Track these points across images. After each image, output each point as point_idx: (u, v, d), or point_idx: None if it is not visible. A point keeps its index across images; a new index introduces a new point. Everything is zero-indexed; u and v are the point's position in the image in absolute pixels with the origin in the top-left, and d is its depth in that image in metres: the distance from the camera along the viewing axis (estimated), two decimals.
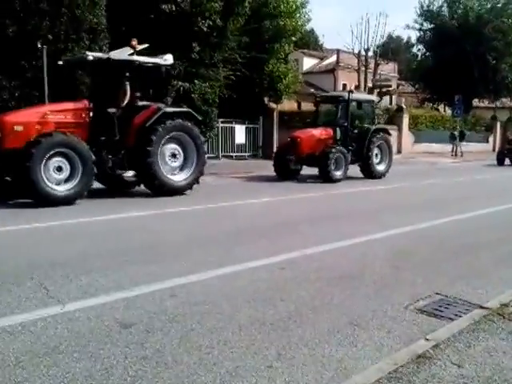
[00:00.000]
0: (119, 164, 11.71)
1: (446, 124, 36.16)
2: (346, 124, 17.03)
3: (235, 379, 3.44)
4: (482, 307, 4.75)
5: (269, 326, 4.29)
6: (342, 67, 43.98)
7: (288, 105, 27.75)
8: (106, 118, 11.53)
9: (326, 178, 15.92)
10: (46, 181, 10.14)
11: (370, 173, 17.49)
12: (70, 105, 11.27)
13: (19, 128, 10.40)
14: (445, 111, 44.41)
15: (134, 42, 12.13)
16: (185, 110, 12.92)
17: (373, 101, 19.20)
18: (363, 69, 38.40)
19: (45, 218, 8.91)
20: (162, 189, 11.94)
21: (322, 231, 8.33)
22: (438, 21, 40.66)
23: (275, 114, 26.60)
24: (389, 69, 46.00)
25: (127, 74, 11.72)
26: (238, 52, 22.89)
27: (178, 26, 19.03)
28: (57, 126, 10.80)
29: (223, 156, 24.04)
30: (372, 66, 39.49)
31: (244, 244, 7.30)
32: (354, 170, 17.47)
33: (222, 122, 23.12)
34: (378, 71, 39.90)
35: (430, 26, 41.90)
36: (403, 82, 50.86)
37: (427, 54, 44.03)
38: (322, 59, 48.89)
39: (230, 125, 24.04)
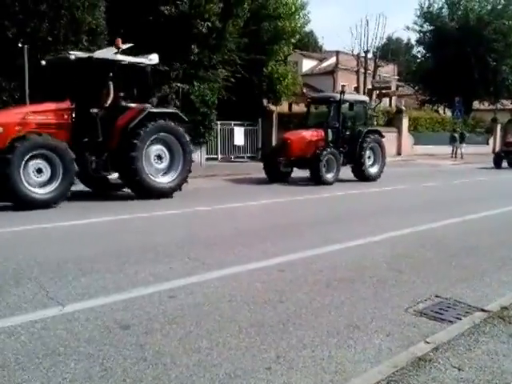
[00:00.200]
0: (102, 166, 11.47)
1: (446, 126, 36.17)
2: (337, 125, 16.70)
3: (234, 381, 3.44)
4: (482, 310, 4.75)
5: (268, 328, 4.29)
6: (342, 69, 44.03)
7: (287, 106, 27.78)
8: (89, 118, 11.30)
9: (317, 180, 15.62)
10: (26, 184, 9.88)
11: (362, 175, 17.17)
12: (51, 105, 10.97)
13: None
14: (445, 113, 44.43)
15: (119, 42, 11.89)
16: (170, 110, 12.72)
17: (365, 102, 18.85)
18: (363, 70, 38.43)
19: (33, 220, 8.92)
20: (146, 191, 11.68)
21: (320, 233, 8.32)
22: (438, 22, 40.69)
23: (274, 115, 26.61)
24: (388, 70, 46.08)
25: (110, 74, 11.49)
26: (236, 54, 22.90)
27: (177, 28, 19.06)
28: (38, 127, 10.53)
29: (222, 158, 24.04)
30: (371, 67, 39.53)
31: (242, 246, 7.29)
32: (347, 172, 17.23)
33: (221, 124, 23.14)
34: (378, 73, 39.94)
35: (429, 28, 41.92)
36: (403, 84, 50.90)
37: (427, 55, 44.05)
38: (321, 61, 48.96)
39: (229, 126, 24.05)
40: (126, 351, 3.81)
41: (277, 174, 16.23)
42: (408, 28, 43.90)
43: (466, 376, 3.48)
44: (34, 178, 10.14)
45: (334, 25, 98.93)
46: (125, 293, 5.05)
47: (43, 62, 11.77)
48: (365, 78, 38.21)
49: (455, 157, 31.67)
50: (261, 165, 16.88)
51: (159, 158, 12.06)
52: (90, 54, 11.58)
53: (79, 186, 12.13)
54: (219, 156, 23.83)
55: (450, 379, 3.44)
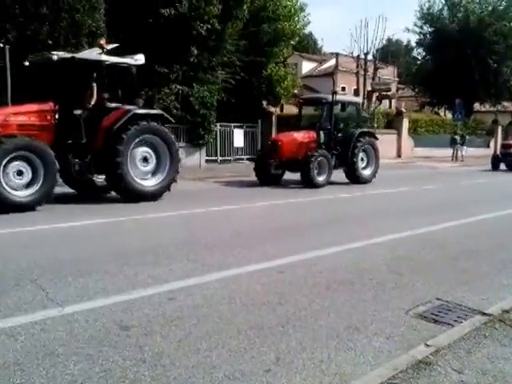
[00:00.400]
0: (86, 168, 11.26)
1: (447, 128, 36.19)
2: (329, 127, 16.41)
3: (233, 383, 3.43)
4: (483, 313, 4.73)
5: (267, 330, 4.28)
6: (341, 71, 44.07)
7: (287, 108, 27.79)
8: (73, 120, 11.09)
9: (308, 183, 15.30)
10: (6, 186, 9.66)
11: (355, 178, 16.88)
12: (33, 107, 10.72)
13: None
14: (445, 115, 44.47)
15: (103, 42, 11.71)
16: (157, 111, 12.48)
17: (358, 103, 18.51)
18: (362, 72, 38.44)
19: (28, 222, 8.93)
20: (131, 194, 11.40)
21: (319, 235, 8.31)
22: (439, 24, 40.75)
23: (274, 117, 26.62)
24: (388, 72, 46.11)
25: (94, 75, 11.32)
26: (236, 56, 22.97)
27: (177, 30, 19.11)
28: (19, 128, 10.31)
29: (221, 159, 24.04)
30: (371, 69, 39.55)
31: (242, 248, 7.28)
32: (340, 175, 16.98)
33: (221, 126, 23.16)
34: (378, 75, 39.95)
35: (430, 30, 41.99)
36: (403, 86, 50.94)
37: (427, 57, 44.10)
38: (320, 63, 49.02)
39: (229, 128, 24.06)
40: (126, 352, 3.81)
41: (268, 177, 15.97)
42: (408, 30, 44.09)
43: (467, 379, 3.47)
44: (15, 180, 9.88)
45: (334, 27, 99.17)
46: (124, 294, 5.04)
47: (26, 63, 11.55)
48: (364, 80, 38.20)
49: (456, 159, 31.68)
50: None
51: (145, 160, 11.81)
52: (73, 55, 11.38)
53: (65, 188, 12.06)
54: (219, 158, 23.84)
55: (451, 382, 3.43)
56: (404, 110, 34.66)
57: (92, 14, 16.21)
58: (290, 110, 20.07)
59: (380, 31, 57.99)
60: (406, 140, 32.87)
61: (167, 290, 5.21)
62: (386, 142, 30.76)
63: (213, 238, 7.89)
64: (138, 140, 11.45)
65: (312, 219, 10.13)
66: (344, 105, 16.80)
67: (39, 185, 10.06)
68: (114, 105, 11.59)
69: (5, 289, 5.13)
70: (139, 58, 12.23)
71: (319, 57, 52.40)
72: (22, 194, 9.91)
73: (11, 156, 9.81)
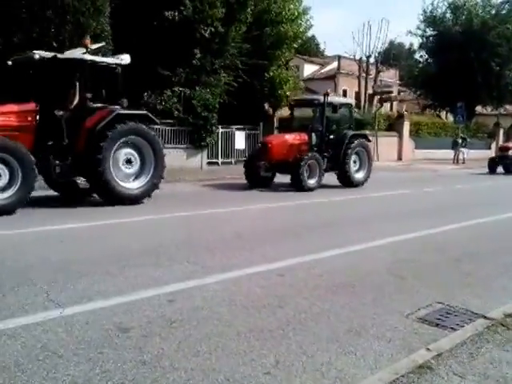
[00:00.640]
0: (67, 170, 10.90)
1: (448, 131, 36.18)
2: (320, 129, 16.01)
3: None
4: (485, 317, 4.72)
5: (267, 333, 4.28)
6: (343, 74, 44.10)
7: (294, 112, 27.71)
8: (54, 121, 10.76)
9: (298, 186, 14.89)
10: None
11: (347, 181, 16.45)
12: (14, 107, 10.36)
13: None
14: (446, 118, 44.44)
15: (87, 41, 11.44)
16: (141, 112, 12.18)
17: (351, 104, 18.09)
18: (364, 75, 38.47)
19: (27, 223, 8.91)
20: (113, 197, 11.06)
21: (319, 238, 8.31)
22: (442, 27, 40.74)
23: (275, 120, 26.62)
24: (390, 75, 46.10)
25: (77, 74, 11.02)
26: (239, 58, 22.99)
27: (181, 33, 19.18)
28: None
29: (223, 162, 24.03)
30: (373, 72, 39.57)
31: (242, 250, 7.27)
32: (332, 178, 16.60)
33: (222, 128, 23.14)
34: (379, 78, 39.97)
35: (432, 33, 41.97)
36: (404, 89, 50.93)
37: (429, 60, 44.10)
38: (322, 65, 49.06)
39: (230, 130, 24.06)
40: (126, 354, 3.81)
41: (257, 179, 15.64)
42: (410, 33, 43.99)
43: None
44: None
45: (336, 30, 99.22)
46: (125, 296, 5.04)
47: (9, 62, 11.32)
48: (366, 82, 38.24)
49: (457, 162, 31.65)
50: None
51: (129, 162, 11.47)
52: (55, 54, 11.04)
53: (45, 191, 11.92)
54: (220, 160, 23.83)
55: None
56: (405, 113, 34.64)
57: (97, 17, 16.29)
58: (298, 112, 19.96)
59: (382, 34, 58.02)
60: (408, 142, 32.86)
61: (167, 291, 5.21)
62: (387, 144, 30.83)
63: (214, 240, 7.88)
64: (121, 141, 11.15)
65: (310, 222, 10.09)
66: (336, 106, 16.30)
67: (16, 188, 9.69)
68: (97, 105, 11.31)
69: (6, 290, 5.13)
70: (124, 58, 12.01)
71: (321, 60, 52.43)
72: None
73: None
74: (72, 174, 11.19)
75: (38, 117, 10.60)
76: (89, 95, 11.17)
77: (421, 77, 43.80)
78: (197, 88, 20.53)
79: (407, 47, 61.80)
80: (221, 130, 23.03)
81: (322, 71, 47.83)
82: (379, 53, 39.53)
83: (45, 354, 3.76)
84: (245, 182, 15.84)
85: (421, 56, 46.72)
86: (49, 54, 10.89)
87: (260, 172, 15.62)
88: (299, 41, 28.69)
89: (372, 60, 39.32)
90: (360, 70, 38.43)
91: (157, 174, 11.79)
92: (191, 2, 19.45)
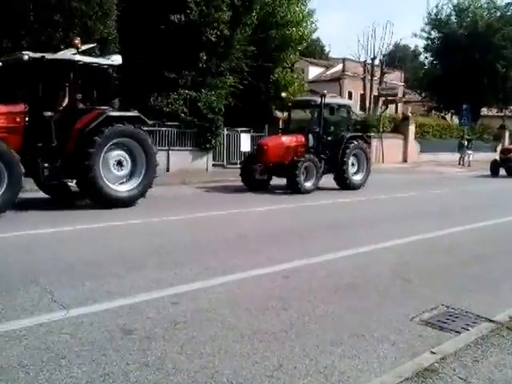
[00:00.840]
0: (56, 173, 10.67)
1: (453, 133, 36.09)
2: (317, 130, 15.73)
3: None
4: (490, 321, 4.69)
5: (271, 336, 4.27)
6: (348, 76, 44.04)
7: (296, 114, 27.69)
8: (43, 122, 10.54)
9: (294, 188, 14.63)
10: None
11: (344, 183, 16.09)
12: (2, 108, 10.17)
13: None
14: (452, 120, 44.35)
15: (77, 41, 11.14)
16: (132, 113, 11.80)
17: (349, 106, 17.79)
18: (369, 77, 38.42)
19: (32, 225, 8.90)
20: (103, 200, 10.83)
21: (324, 240, 8.29)
22: (447, 29, 40.71)
23: (280, 122, 26.61)
24: (395, 77, 46.00)
25: (66, 75, 10.83)
26: (244, 61, 23.03)
27: (186, 36, 19.25)
28: None
29: (228, 164, 24.04)
30: (378, 74, 39.52)
31: (247, 252, 7.27)
32: (331, 180, 16.34)
33: (228, 130, 23.17)
34: (384, 80, 39.92)
35: (437, 35, 41.94)
36: (409, 91, 50.87)
37: (435, 62, 44.07)
38: (327, 68, 49.02)
39: (236, 133, 24.08)
40: (129, 356, 3.81)
41: (253, 182, 15.42)
42: (415, 35, 43.99)
43: None
44: None
45: (341, 32, 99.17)
46: (129, 298, 5.05)
47: None
48: (371, 84, 38.19)
49: (462, 164, 31.55)
50: None
51: (119, 164, 11.20)
52: (43, 54, 10.77)
53: (37, 194, 11.87)
54: (225, 162, 23.84)
55: None
56: (410, 115, 34.56)
57: (104, 21, 16.35)
58: (298, 114, 19.82)
59: (387, 36, 57.88)
60: (413, 144, 32.79)
61: (171, 293, 5.21)
62: (392, 146, 30.79)
63: (218, 241, 7.89)
64: (111, 143, 10.93)
65: (314, 224, 10.06)
66: (333, 108, 16.03)
67: (2, 190, 9.49)
68: (87, 106, 11.09)
69: (10, 291, 5.15)
70: (116, 59, 11.78)
71: (326, 62, 52.39)
72: None
73: None
74: (61, 177, 10.96)
75: (26, 118, 10.42)
76: (79, 96, 10.97)
77: (426, 79, 43.81)
78: (202, 90, 20.58)
79: (412, 49, 61.83)
80: (226, 133, 23.05)
81: (327, 73, 47.76)
82: (384, 55, 39.54)
83: (48, 356, 3.77)
84: (235, 184, 15.84)
85: (426, 58, 46.83)
86: (37, 55, 10.67)
87: (255, 175, 15.41)
88: (304, 43, 28.74)
89: (377, 62, 39.29)
90: (365, 72, 38.39)
91: (148, 177, 11.55)
92: (197, 5, 19.52)
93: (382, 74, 39.17)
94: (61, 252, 6.98)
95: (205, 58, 20.35)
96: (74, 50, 11.14)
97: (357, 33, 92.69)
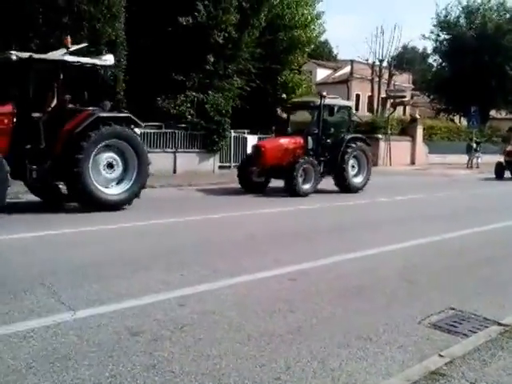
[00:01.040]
0: (44, 175, 10.42)
1: (462, 135, 35.94)
2: (316, 132, 15.46)
3: None
4: (498, 324, 4.66)
5: (278, 338, 4.26)
6: (356, 78, 44.03)
7: (300, 116, 27.70)
8: (32, 123, 10.31)
9: (291, 191, 14.35)
10: None
11: (344, 186, 15.78)
12: None
13: None
14: (460, 122, 44.19)
15: (67, 41, 10.98)
16: (124, 114, 11.51)
17: (349, 107, 17.46)
18: (377, 79, 38.38)
19: (40, 227, 8.93)
20: (93, 202, 10.54)
21: (331, 243, 8.28)
22: (455, 31, 40.60)
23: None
24: (403, 79, 45.97)
25: (55, 75, 10.55)
26: (251, 63, 23.05)
27: (194, 39, 19.29)
28: None
29: (235, 166, 24.05)
30: (386, 76, 39.47)
31: (254, 254, 7.26)
32: (330, 182, 16.02)
33: (235, 132, 23.18)
34: (393, 82, 39.86)
35: (446, 37, 41.83)
36: (418, 93, 50.76)
37: (443, 64, 43.95)
38: (335, 70, 49.03)
39: (243, 135, 24.09)
40: (136, 358, 3.81)
41: (251, 185, 15.18)
42: (424, 37, 43.88)
43: None
44: None
45: (349, 34, 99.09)
46: (136, 299, 5.05)
47: None
48: (379, 86, 38.17)
49: (471, 166, 31.41)
50: None
51: (110, 166, 10.91)
52: (30, 54, 10.56)
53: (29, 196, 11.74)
54: (232, 164, 23.85)
55: None
56: (418, 117, 34.45)
57: (112, 23, 16.42)
58: (304, 116, 19.72)
59: (396, 38, 57.92)
60: (421, 147, 32.66)
61: (178, 295, 5.21)
62: (400, 148, 30.67)
63: (225, 243, 7.89)
64: (101, 145, 10.65)
65: (319, 227, 10.03)
66: (333, 109, 15.60)
67: None
68: (76, 107, 10.84)
69: (17, 293, 5.16)
70: (108, 59, 11.56)
71: (334, 64, 52.39)
72: None
73: None
74: (49, 179, 10.73)
75: (14, 119, 10.21)
76: (68, 97, 10.73)
77: (434, 81, 43.67)
78: (210, 92, 20.61)
79: (421, 51, 61.70)
80: (233, 135, 23.07)
81: (335, 75, 47.80)
82: (392, 57, 39.49)
83: (55, 357, 3.77)
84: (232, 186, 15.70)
85: (434, 60, 46.70)
86: (25, 55, 10.48)
87: (252, 177, 15.19)
88: (312, 45, 28.78)
89: (385, 64, 39.27)
90: (373, 74, 38.35)
91: (140, 179, 11.24)
92: (205, 7, 19.57)
93: (390, 76, 39.13)
94: (65, 254, 6.99)
95: (212, 60, 20.39)
96: (64, 50, 10.96)
97: (365, 35, 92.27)
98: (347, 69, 46.12)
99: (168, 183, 16.54)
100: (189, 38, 19.16)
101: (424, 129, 33.05)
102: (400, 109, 38.89)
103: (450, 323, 4.73)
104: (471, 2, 41.29)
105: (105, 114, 10.77)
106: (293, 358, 3.89)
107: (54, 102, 10.72)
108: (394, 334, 4.44)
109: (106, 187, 10.88)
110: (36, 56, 10.51)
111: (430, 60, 49.07)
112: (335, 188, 16.00)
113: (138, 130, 16.31)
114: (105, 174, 10.86)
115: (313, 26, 27.66)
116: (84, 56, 11.52)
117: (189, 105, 20.14)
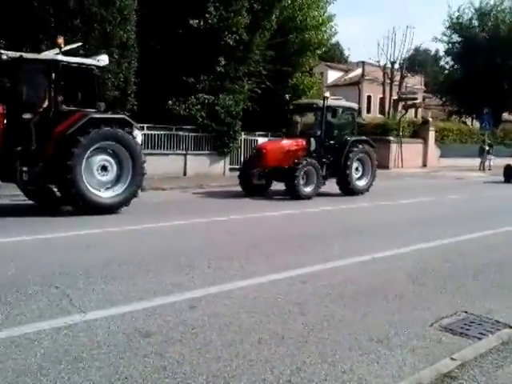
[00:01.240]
0: (35, 177, 10.18)
1: (474, 138, 35.71)
2: (319, 134, 15.20)
3: None
4: (510, 327, 4.64)
5: (288, 340, 4.25)
6: (367, 80, 43.92)
7: (311, 117, 27.68)
8: (23, 124, 10.11)
9: (292, 193, 14.17)
10: None
11: (347, 188, 15.60)
12: None
13: None
14: (472, 124, 43.93)
15: (60, 40, 10.77)
16: (118, 116, 11.36)
17: (353, 108, 17.06)
18: (389, 81, 38.25)
19: (51, 229, 8.97)
20: (85, 205, 10.32)
21: (340, 245, 8.23)
22: (468, 33, 40.43)
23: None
24: (415, 81, 45.79)
25: (47, 76, 10.35)
26: (262, 65, 23.05)
27: (205, 41, 19.33)
28: None
29: None
30: (398, 78, 39.34)
31: (264, 257, 7.25)
32: (333, 185, 15.87)
33: (245, 134, 23.20)
34: (404, 84, 39.71)
35: (459, 39, 41.67)
36: (430, 95, 50.53)
37: (455, 66, 43.77)
38: (346, 72, 48.96)
39: (253, 137, 24.10)
40: (146, 359, 3.82)
41: (252, 187, 15.02)
42: (436, 39, 43.70)
43: None
44: None
45: (361, 36, 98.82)
46: (146, 301, 5.07)
47: None
48: (391, 89, 38.02)
49: (483, 169, 31.19)
50: None
51: (104, 168, 10.69)
52: (21, 53, 10.39)
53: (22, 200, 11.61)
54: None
55: None
56: (430, 119, 34.28)
57: (123, 26, 16.49)
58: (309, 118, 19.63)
59: (407, 40, 57.70)
60: (433, 149, 32.49)
61: (188, 297, 5.22)
62: (411, 151, 30.52)
63: (235, 246, 7.88)
64: (94, 147, 10.42)
65: (328, 229, 10.00)
66: (336, 110, 15.41)
67: None
68: (69, 108, 10.59)
69: (28, 295, 5.20)
70: (102, 59, 11.32)
71: (345, 66, 52.33)
72: None
73: None
74: (40, 181, 10.47)
75: (5, 120, 10.05)
76: (61, 98, 10.48)
77: (446, 83, 43.50)
78: (220, 95, 20.65)
79: (433, 53, 61.43)
80: (244, 137, 23.10)
81: (346, 77, 47.73)
82: (404, 59, 39.34)
83: (66, 359, 3.79)
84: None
85: (446, 62, 46.52)
86: (15, 54, 10.28)
87: (252, 180, 15.02)
88: (323, 48, 28.70)
89: (397, 66, 39.13)
90: (384, 76, 38.23)
91: (135, 182, 11.03)
92: (216, 10, 19.61)
93: (402, 78, 38.99)
94: (74, 256, 7.01)
95: (223, 62, 20.43)
96: (57, 50, 10.83)
97: (377, 37, 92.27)
98: (358, 71, 46.03)
99: (178, 185, 16.58)
100: (200, 40, 19.20)
101: (436, 131, 32.87)
102: (412, 111, 38.76)
103: (462, 326, 4.70)
104: (484, 3, 41.18)
105: (98, 116, 10.57)
106: (303, 361, 3.88)
107: (46, 102, 10.49)
108: (405, 336, 4.41)
109: (100, 190, 10.68)
110: (27, 56, 10.37)
111: (442, 62, 48.89)
112: (338, 191, 15.84)
113: (139, 133, 16.30)
114: (98, 176, 10.65)
115: (324, 28, 27.62)
116: (78, 56, 11.33)
117: (199, 107, 20.19)
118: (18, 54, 10.27)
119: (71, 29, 15.01)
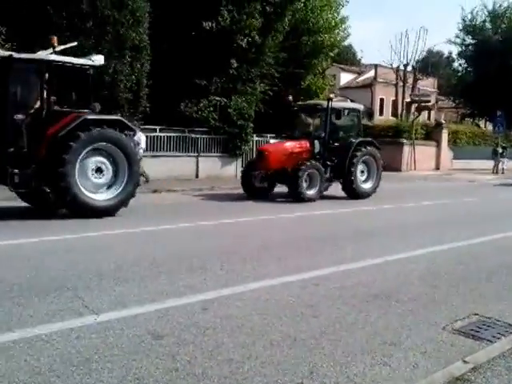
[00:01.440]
0: (27, 180, 9.95)
1: (487, 140, 35.49)
2: (323, 135, 14.96)
3: None
4: None
5: (300, 343, 4.24)
6: (380, 82, 43.78)
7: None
8: (14, 126, 9.93)
9: (295, 196, 14.00)
10: None
11: (352, 191, 15.29)
12: None
13: None
14: (485, 127, 43.64)
15: (54, 40, 10.59)
16: (113, 117, 11.15)
17: (358, 110, 16.64)
18: (401, 84, 38.11)
19: (61, 230, 9.02)
20: (79, 208, 10.13)
21: (353, 248, 8.20)
22: (481, 35, 40.26)
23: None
24: (428, 84, 45.59)
25: (40, 76, 10.14)
26: (275, 67, 23.07)
27: (218, 43, 19.38)
28: None
29: None
30: (411, 80, 39.18)
31: (276, 259, 7.25)
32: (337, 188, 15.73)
33: (257, 136, 23.22)
34: (417, 86, 39.54)
35: (472, 41, 41.48)
36: (443, 97, 50.27)
37: (469, 68, 43.55)
38: (359, 74, 48.83)
39: (265, 139, 24.11)
40: (159, 361, 3.83)
41: (254, 190, 14.82)
42: (450, 41, 43.51)
43: None
44: None
45: (373, 38, 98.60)
46: (158, 303, 5.08)
47: None
48: (403, 91, 37.87)
49: (496, 172, 30.97)
50: None
51: (99, 171, 10.47)
52: (11, 53, 10.26)
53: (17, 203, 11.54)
54: None
55: None
56: (443, 122, 34.12)
57: (136, 28, 16.58)
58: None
59: (420, 43, 57.37)
60: (446, 151, 32.33)
61: (201, 299, 5.23)
62: (424, 153, 30.40)
63: (248, 248, 7.88)
64: (89, 149, 10.20)
65: (339, 232, 9.96)
66: (340, 112, 15.18)
67: None
68: (62, 109, 10.41)
69: (41, 296, 5.23)
70: (97, 59, 11.10)
71: (358, 68, 52.20)
72: None
73: None
74: (33, 184, 10.16)
75: None
76: (54, 98, 10.30)
77: (459, 85, 43.33)
78: (232, 97, 20.69)
79: (446, 56, 61.09)
80: (256, 139, 23.12)
81: (359, 80, 47.58)
82: (417, 61, 39.20)
83: (79, 360, 3.80)
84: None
85: (460, 64, 46.33)
86: (4, 53, 10.17)
87: (254, 182, 14.83)
88: (336, 50, 28.68)
89: (410, 68, 38.99)
90: (397, 79, 38.10)
91: (131, 184, 10.79)
92: (229, 12, 19.66)
93: (415, 80, 38.83)
94: (86, 258, 7.04)
95: (236, 64, 20.48)
96: (51, 50, 10.66)
97: (390, 39, 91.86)
98: (371, 73, 45.90)
99: (190, 187, 16.61)
100: (212, 42, 19.26)
101: (449, 133, 32.71)
102: (425, 113, 38.57)
103: (475, 329, 4.66)
104: (497, 6, 41.03)
105: (92, 117, 10.35)
106: (316, 363, 3.87)
107: (38, 103, 10.30)
108: (418, 339, 4.39)
109: (95, 193, 10.49)
110: (17, 55, 10.18)
111: (456, 64, 48.73)
112: (343, 194, 15.62)
113: (142, 135, 16.28)
114: (93, 178, 10.44)
115: (337, 31, 27.64)
116: (73, 56, 11.09)
117: (212, 109, 20.25)
118: (7, 54, 10.14)
119: (84, 31, 15.14)
